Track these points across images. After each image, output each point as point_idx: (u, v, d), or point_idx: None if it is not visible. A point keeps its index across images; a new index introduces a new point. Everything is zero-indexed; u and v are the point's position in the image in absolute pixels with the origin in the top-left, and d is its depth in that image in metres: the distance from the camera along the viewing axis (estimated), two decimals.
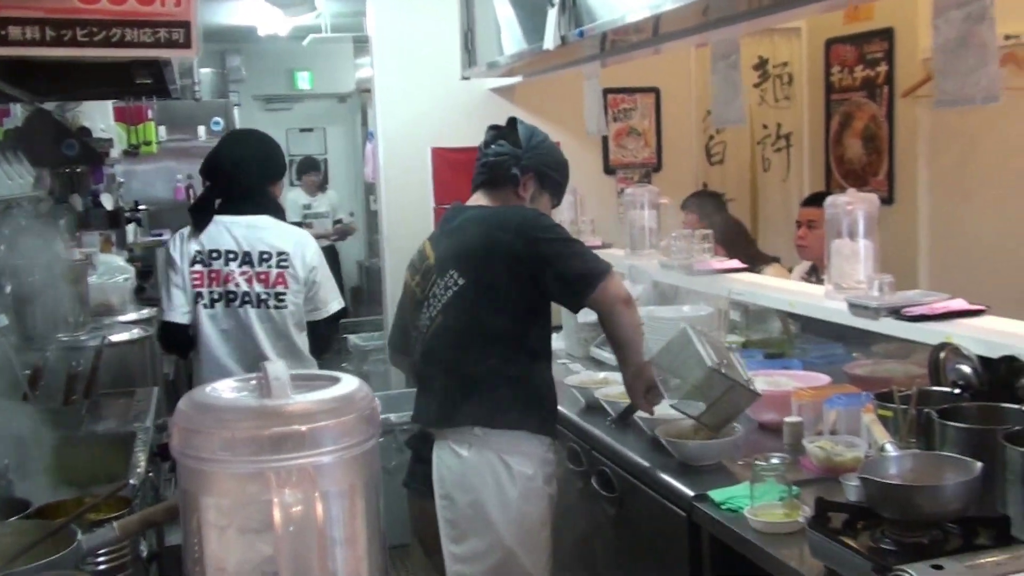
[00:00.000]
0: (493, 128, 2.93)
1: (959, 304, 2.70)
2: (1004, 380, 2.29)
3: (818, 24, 6.34)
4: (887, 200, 5.53)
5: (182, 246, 3.38)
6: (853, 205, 3.01)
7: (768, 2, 3.34)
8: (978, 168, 5.21)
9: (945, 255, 5.33)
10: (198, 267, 3.33)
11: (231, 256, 3.34)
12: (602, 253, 4.60)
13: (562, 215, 4.96)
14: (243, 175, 3.41)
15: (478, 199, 2.88)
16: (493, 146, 2.85)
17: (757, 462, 2.21)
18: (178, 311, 3.35)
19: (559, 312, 3.92)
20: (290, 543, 0.72)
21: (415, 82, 6.16)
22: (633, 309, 2.75)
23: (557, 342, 4.05)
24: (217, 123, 7.83)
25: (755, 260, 4.50)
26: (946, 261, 5.28)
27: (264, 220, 3.39)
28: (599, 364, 3.60)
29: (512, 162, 2.81)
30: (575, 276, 2.67)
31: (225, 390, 0.78)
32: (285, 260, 3.33)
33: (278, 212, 3.49)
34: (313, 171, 9.53)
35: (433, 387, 2.72)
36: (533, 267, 2.66)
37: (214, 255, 3.35)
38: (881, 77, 5.86)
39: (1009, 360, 2.27)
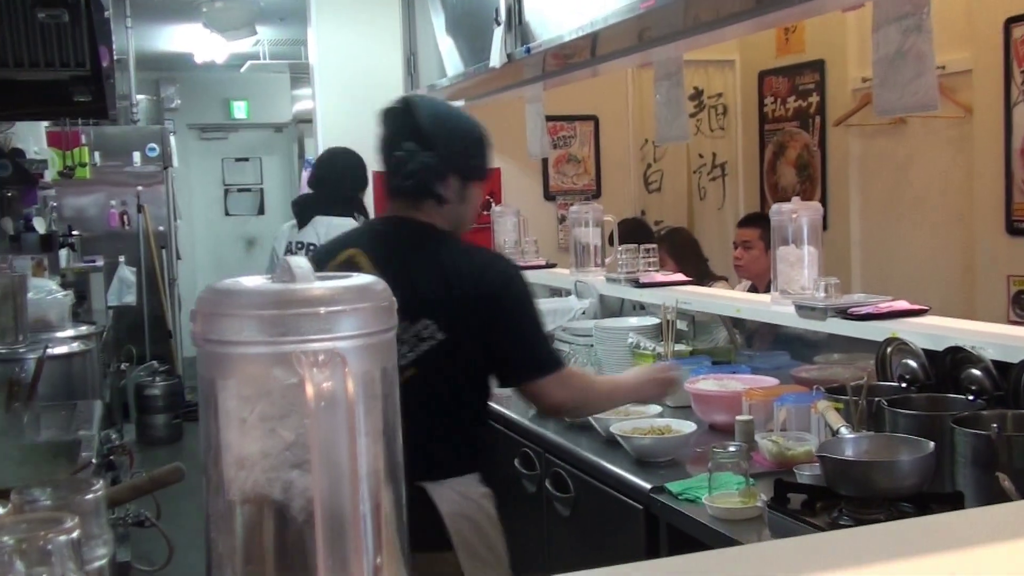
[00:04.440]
0: (388, 115, 2.35)
1: (902, 304, 2.77)
2: (949, 372, 2.36)
3: (751, 56, 6.51)
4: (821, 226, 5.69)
5: (282, 238, 4.46)
6: (797, 213, 3.08)
7: (702, 20, 3.45)
8: (907, 193, 5.37)
9: (878, 278, 5.47)
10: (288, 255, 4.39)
11: (311, 247, 4.15)
12: (547, 272, 4.66)
13: (506, 236, 5.00)
14: (335, 185, 4.39)
15: (409, 212, 2.36)
16: (398, 153, 2.29)
17: (716, 450, 2.24)
18: None
19: None
20: (319, 425, 0.73)
21: (357, 107, 6.17)
22: (593, 399, 2.48)
23: None
24: (153, 149, 7.75)
25: (705, 276, 4.61)
26: (879, 284, 5.42)
27: (347, 221, 4.12)
28: None
29: (429, 177, 2.29)
30: (522, 357, 2.30)
31: (247, 280, 0.79)
32: None
33: (363, 213, 4.39)
34: None
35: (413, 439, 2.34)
36: (493, 331, 2.28)
37: (299, 246, 4.27)
38: (813, 107, 6.03)
39: (954, 351, 2.34)
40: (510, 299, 2.29)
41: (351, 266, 2.28)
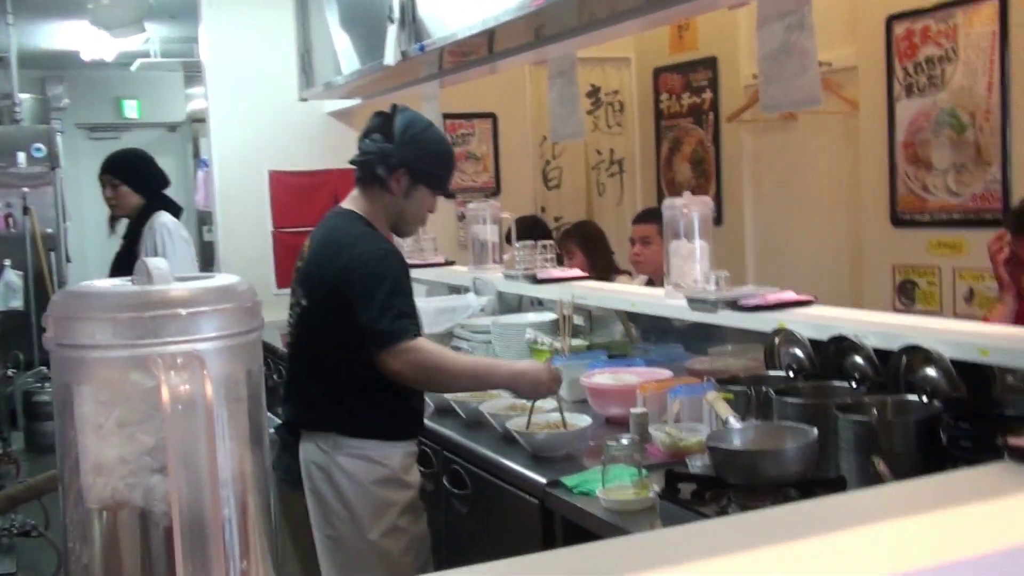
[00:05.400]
0: (377, 116, 2.76)
1: (790, 295, 2.84)
2: (833, 360, 2.42)
3: (646, 54, 6.59)
4: (716, 221, 5.78)
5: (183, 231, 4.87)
6: (689, 207, 3.13)
7: (597, 18, 3.48)
8: (797, 186, 5.49)
9: (771, 269, 5.59)
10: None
11: None
12: (446, 270, 4.65)
13: None
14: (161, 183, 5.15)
15: (350, 199, 2.80)
16: (366, 140, 2.73)
17: (609, 443, 2.26)
18: None
19: None
20: (177, 429, 0.71)
21: (251, 105, 6.09)
22: (435, 374, 2.64)
23: None
24: (39, 150, 7.46)
25: (611, 269, 4.66)
26: (772, 275, 5.53)
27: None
28: None
29: (378, 161, 2.68)
30: (370, 328, 2.57)
31: (102, 283, 0.77)
32: None
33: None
34: None
35: (293, 390, 2.79)
36: (342, 303, 2.60)
37: None
38: (707, 104, 6.13)
39: (838, 340, 2.40)
40: (357, 279, 2.58)
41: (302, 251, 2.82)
